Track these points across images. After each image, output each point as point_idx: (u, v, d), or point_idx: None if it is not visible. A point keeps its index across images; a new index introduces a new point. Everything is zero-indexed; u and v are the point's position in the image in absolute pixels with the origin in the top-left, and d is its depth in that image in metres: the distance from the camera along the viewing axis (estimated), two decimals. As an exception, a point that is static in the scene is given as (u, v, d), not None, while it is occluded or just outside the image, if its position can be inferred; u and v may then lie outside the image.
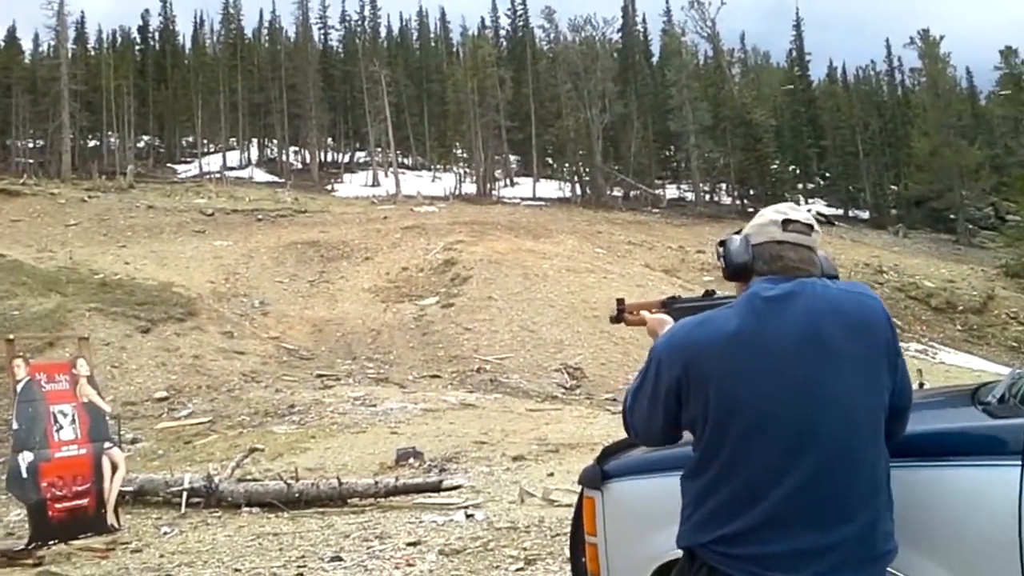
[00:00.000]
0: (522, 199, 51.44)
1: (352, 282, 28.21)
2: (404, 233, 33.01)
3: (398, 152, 58.49)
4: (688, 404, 2.05)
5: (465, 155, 59.80)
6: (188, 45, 73.15)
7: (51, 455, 7.88)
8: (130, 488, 9.42)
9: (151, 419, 16.06)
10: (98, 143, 58.48)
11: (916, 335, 30.75)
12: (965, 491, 2.12)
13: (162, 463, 12.65)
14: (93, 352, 11.41)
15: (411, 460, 11.30)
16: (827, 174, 61.58)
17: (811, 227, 2.13)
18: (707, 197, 54.81)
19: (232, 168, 57.08)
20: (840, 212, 55.26)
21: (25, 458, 7.70)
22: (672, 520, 2.15)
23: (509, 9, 70.86)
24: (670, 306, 2.72)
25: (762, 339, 2.00)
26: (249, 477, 10.54)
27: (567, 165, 56.83)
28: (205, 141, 60.48)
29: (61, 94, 50.36)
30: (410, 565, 6.20)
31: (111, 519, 8.26)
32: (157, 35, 70.58)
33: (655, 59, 68.13)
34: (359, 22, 71.56)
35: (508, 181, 57.46)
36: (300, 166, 59.80)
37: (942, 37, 57.91)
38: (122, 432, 10.92)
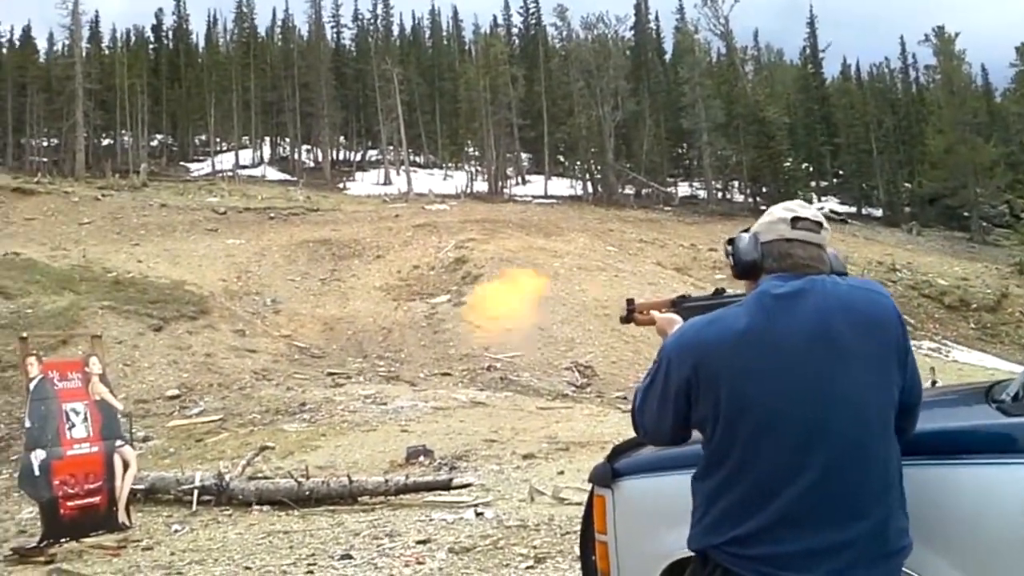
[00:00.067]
0: (534, 197, 51.42)
1: (363, 280, 28.24)
2: (415, 231, 33.03)
3: (410, 150, 58.57)
4: (698, 404, 2.04)
5: (477, 153, 59.81)
6: (201, 44, 73.57)
7: (63, 453, 7.91)
8: (141, 486, 9.44)
9: (163, 417, 16.11)
10: (112, 142, 58.81)
11: (929, 333, 30.58)
12: (978, 489, 2.10)
13: (173, 461, 12.68)
14: (105, 350, 11.44)
15: (421, 458, 11.29)
16: (840, 172, 61.31)
17: (820, 224, 2.13)
18: (719, 195, 54.64)
19: (245, 166, 57.28)
20: (853, 210, 55.03)
21: (37, 456, 7.73)
22: (683, 518, 2.14)
23: (521, 7, 70.90)
24: (680, 305, 2.71)
25: (772, 337, 1.99)
26: (260, 475, 10.55)
27: (579, 163, 56.76)
28: (218, 139, 60.74)
29: (75, 93, 50.64)
30: (420, 563, 6.19)
31: (122, 517, 8.29)
32: (171, 34, 70.88)
33: (668, 56, 67.97)
34: (372, 20, 71.81)
35: (520, 179, 57.45)
36: (312, 164, 59.95)
37: (957, 34, 57.60)
38: (134, 430, 10.98)
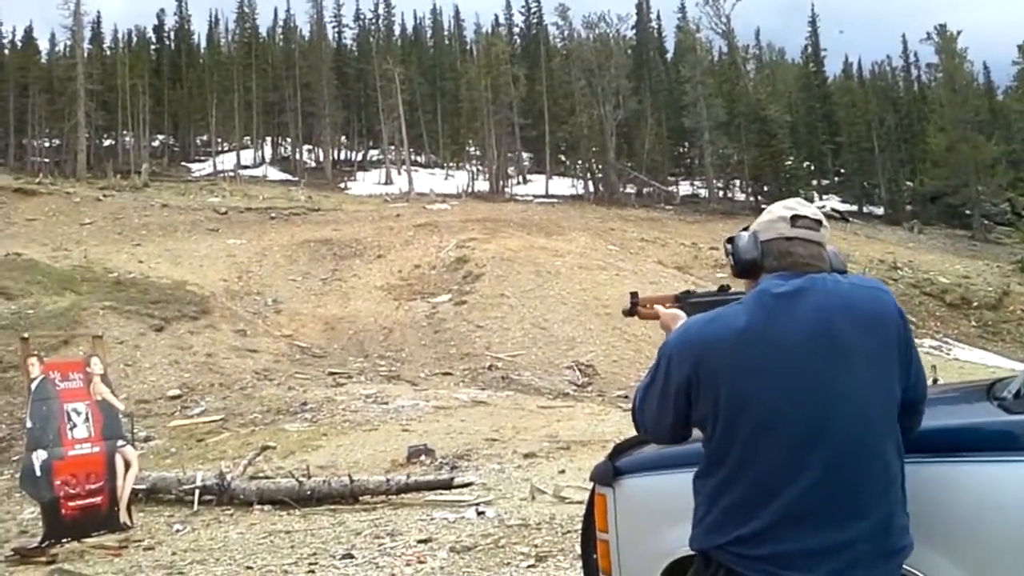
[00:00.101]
0: (535, 196, 51.41)
1: (364, 280, 28.24)
2: (417, 231, 33.03)
3: (411, 150, 58.57)
4: (698, 402, 2.04)
5: (478, 153, 59.81)
6: (203, 44, 73.74)
7: (64, 453, 7.91)
8: (143, 486, 9.44)
9: (164, 417, 16.11)
10: (113, 142, 58.88)
11: (931, 331, 30.56)
12: (981, 487, 2.10)
13: (175, 461, 12.69)
14: (107, 350, 11.45)
15: (422, 457, 11.29)
16: (842, 170, 61.29)
17: (820, 222, 2.12)
18: (721, 194, 54.63)
19: (246, 167, 57.31)
20: (855, 208, 55.02)
21: (39, 456, 7.73)
22: (684, 517, 2.14)
23: (523, 6, 71.05)
24: (684, 300, 2.72)
25: (772, 336, 1.98)
26: (261, 475, 10.56)
27: (580, 162, 56.75)
28: (219, 140, 60.76)
29: (77, 93, 50.69)
30: (421, 562, 6.19)
31: (124, 517, 8.29)
32: (172, 34, 71.03)
33: (669, 55, 68.04)
34: (373, 20, 71.85)
35: (521, 178, 57.45)
36: (313, 164, 59.98)
37: (959, 32, 57.55)
38: (135, 430, 10.97)
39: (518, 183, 56.22)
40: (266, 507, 9.10)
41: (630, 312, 2.84)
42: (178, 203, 39.36)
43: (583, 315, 23.97)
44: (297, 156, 60.01)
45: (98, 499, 8.06)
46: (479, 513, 7.87)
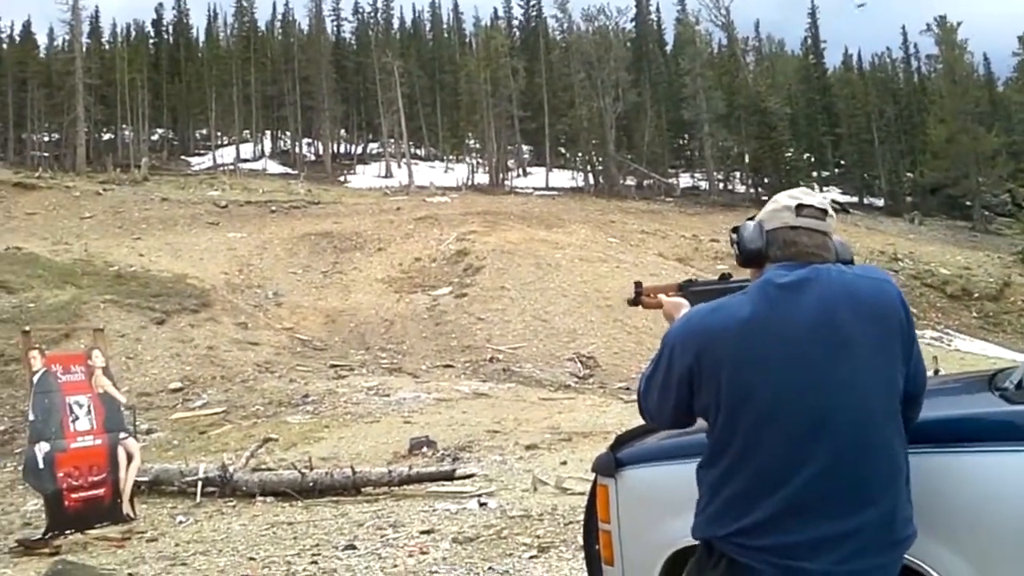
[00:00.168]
0: (535, 189, 51.31)
1: (365, 273, 28.23)
2: (417, 224, 33.00)
3: (411, 143, 58.44)
4: (700, 392, 2.04)
5: (478, 145, 59.67)
6: (202, 38, 73.48)
7: (67, 445, 7.94)
8: (145, 478, 9.48)
9: (166, 410, 16.13)
10: (112, 136, 58.77)
11: (931, 322, 30.55)
12: (982, 478, 2.10)
13: (177, 453, 12.71)
14: (108, 343, 11.47)
15: (424, 449, 11.32)
16: (842, 162, 61.14)
17: (825, 212, 2.12)
18: (721, 186, 54.51)
19: (246, 160, 57.22)
20: (855, 200, 54.90)
21: (42, 449, 7.75)
22: (686, 507, 2.14)
23: (522, -1, 70.68)
24: (687, 289, 2.74)
25: (775, 326, 1.98)
26: (263, 467, 10.59)
27: (580, 155, 56.62)
28: (219, 133, 60.64)
29: (76, 88, 50.56)
30: (424, 553, 6.21)
31: (127, 509, 8.32)
32: (171, 29, 70.80)
33: (669, 48, 67.83)
34: (372, 14, 71.70)
35: (521, 171, 57.32)
36: (313, 158, 59.86)
37: (959, 23, 57.29)
38: (137, 422, 11.00)
39: (518, 176, 56.11)
40: (268, 499, 9.14)
41: (634, 302, 2.87)
42: (178, 197, 39.30)
43: (584, 307, 23.97)
44: (297, 150, 59.88)
45: (101, 491, 8.09)
46: (481, 504, 7.89)
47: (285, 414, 15.26)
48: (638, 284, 2.86)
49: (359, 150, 64.10)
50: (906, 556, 2.04)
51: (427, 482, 9.02)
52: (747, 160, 53.69)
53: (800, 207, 2.10)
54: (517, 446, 11.38)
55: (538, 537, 6.38)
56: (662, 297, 2.72)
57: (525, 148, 60.40)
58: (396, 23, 76.85)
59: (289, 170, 54.60)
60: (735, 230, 2.17)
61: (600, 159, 54.58)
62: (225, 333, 21.40)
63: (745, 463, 1.98)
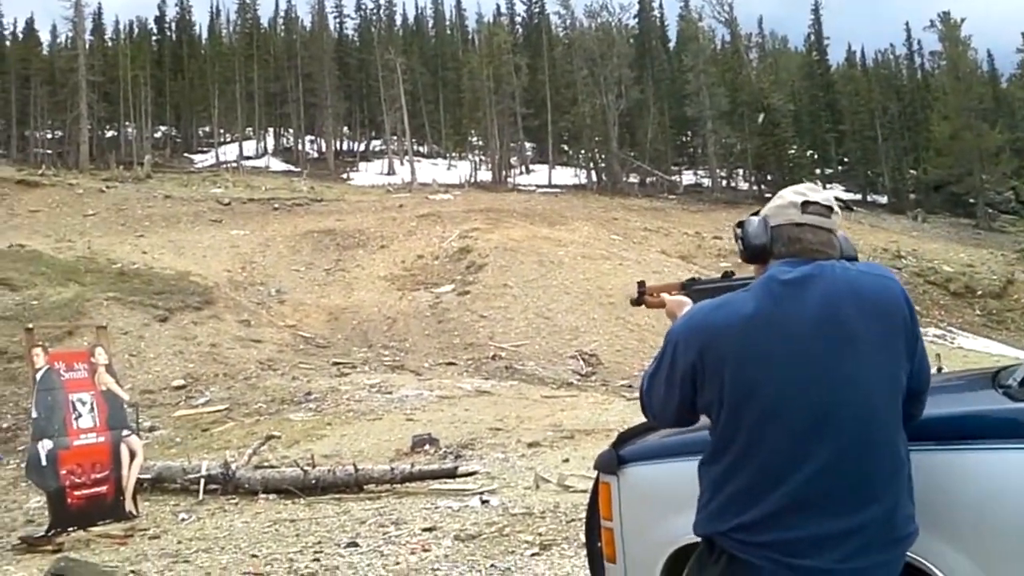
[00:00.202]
0: (538, 186, 51.34)
1: (368, 270, 28.24)
2: (419, 221, 33.00)
3: (413, 140, 58.45)
4: (703, 388, 2.04)
5: (480, 143, 59.66)
6: (204, 35, 73.59)
7: (70, 443, 7.93)
8: (148, 475, 9.48)
9: (169, 407, 16.14)
10: (116, 133, 58.86)
11: (935, 320, 30.51)
12: (985, 475, 2.10)
13: (179, 451, 12.72)
14: (111, 341, 11.47)
15: (426, 447, 11.33)
16: (845, 159, 61.08)
17: (830, 209, 2.12)
18: (724, 183, 54.52)
19: (248, 157, 57.27)
20: (858, 197, 54.83)
21: (44, 446, 7.75)
22: (688, 505, 2.14)
23: (524, -4, 70.62)
24: (689, 288, 2.73)
25: (779, 323, 1.98)
26: (266, 464, 10.58)
27: (583, 152, 56.62)
28: (222, 131, 60.69)
29: (79, 85, 50.62)
30: (426, 550, 6.21)
31: (129, 506, 8.32)
32: (174, 25, 70.91)
33: (672, 44, 67.83)
34: (374, 10, 71.64)
35: (524, 168, 57.33)
36: (316, 155, 59.91)
37: (963, 19, 57.22)
38: (140, 420, 11.00)
39: (521, 173, 56.12)
40: (271, 496, 9.14)
41: (638, 301, 2.86)
42: (181, 194, 39.34)
43: (586, 305, 23.97)
44: (299, 147, 59.89)
45: (104, 488, 8.09)
46: (483, 502, 7.89)
47: (288, 411, 15.27)
48: (641, 283, 2.86)
49: (362, 147, 64.13)
50: (909, 554, 2.03)
51: (429, 480, 9.01)
52: (750, 157, 53.63)
53: (806, 204, 2.09)
54: (519, 444, 11.38)
55: (540, 535, 6.37)
56: (665, 296, 2.71)
57: (528, 145, 60.41)
58: (399, 20, 77.14)
59: (292, 167, 54.63)
60: (739, 226, 2.17)
61: (603, 156, 54.56)
62: (228, 330, 21.41)
63: (748, 459, 1.97)
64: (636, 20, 64.32)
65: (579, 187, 51.88)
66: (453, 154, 61.48)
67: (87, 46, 54.79)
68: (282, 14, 72.55)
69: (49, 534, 7.60)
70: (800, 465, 1.93)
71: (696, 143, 58.81)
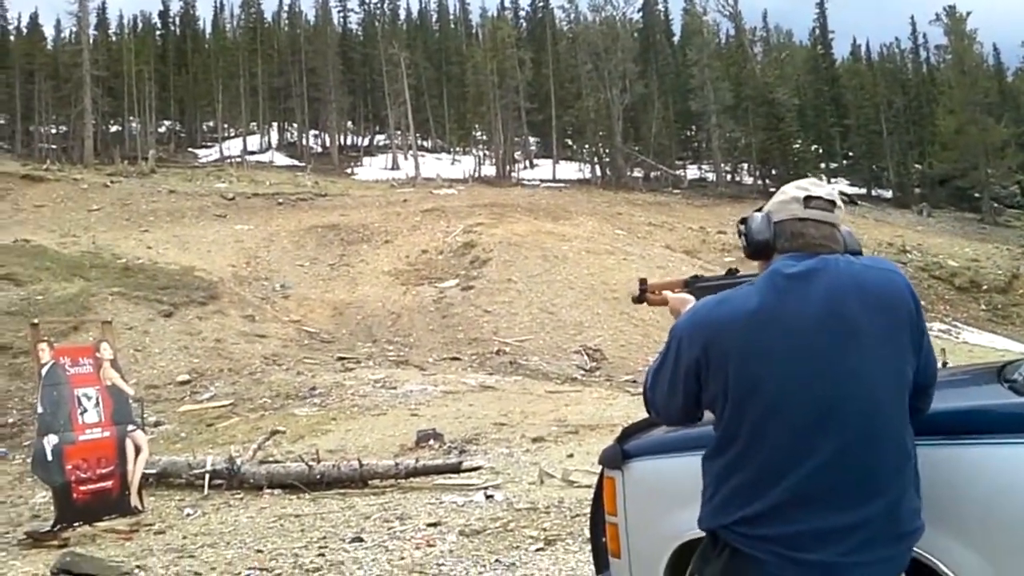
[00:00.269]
0: (542, 181, 51.29)
1: (372, 265, 28.25)
2: (424, 216, 33.00)
3: (418, 135, 58.43)
4: (708, 384, 2.03)
5: (485, 137, 59.64)
6: (208, 30, 73.60)
7: (75, 438, 7.95)
8: (153, 470, 9.49)
9: (174, 402, 16.18)
10: (120, 128, 58.89)
11: (940, 315, 30.46)
12: (992, 470, 2.09)
13: (185, 446, 12.74)
14: (116, 336, 11.48)
15: (431, 442, 11.33)
16: (850, 153, 60.87)
17: (833, 203, 2.11)
18: (728, 177, 54.43)
19: (252, 152, 57.28)
20: (863, 191, 54.69)
21: (50, 441, 7.77)
22: (693, 500, 2.14)
23: (528, -10, 70.47)
24: (692, 285, 2.71)
25: (783, 317, 1.97)
26: (271, 459, 10.60)
27: (587, 146, 56.55)
28: (226, 125, 60.74)
29: (83, 80, 50.66)
30: (430, 545, 6.21)
31: (135, 501, 8.34)
32: (177, 20, 71.01)
33: (676, 38, 67.68)
34: (378, 5, 71.57)
35: (528, 163, 57.31)
36: (320, 150, 59.94)
37: (969, 13, 56.95)
38: (145, 415, 11.00)
39: (525, 168, 56.09)
40: (276, 491, 9.15)
41: (639, 299, 2.84)
42: (185, 189, 39.39)
43: (591, 300, 23.96)
44: (303, 141, 59.94)
45: (109, 483, 8.11)
46: (488, 497, 7.89)
47: (292, 407, 15.30)
48: (643, 281, 2.84)
49: (366, 142, 64.12)
50: (916, 549, 2.03)
51: (434, 475, 9.02)
52: (754, 151, 53.54)
53: (808, 198, 2.08)
54: (524, 439, 11.39)
55: (545, 530, 6.37)
56: (667, 294, 2.70)
57: (532, 140, 60.36)
58: (402, 14, 77.00)
59: (296, 162, 54.68)
60: (743, 221, 2.16)
61: (607, 151, 54.49)
62: (232, 326, 21.44)
63: (751, 454, 1.97)
64: (640, 14, 64.29)
65: (583, 182, 51.83)
66: (457, 149, 61.46)
67: (91, 41, 54.82)
68: (286, 8, 72.79)
69: (55, 529, 7.62)
70: (803, 459, 1.92)
71: (700, 137, 58.72)
